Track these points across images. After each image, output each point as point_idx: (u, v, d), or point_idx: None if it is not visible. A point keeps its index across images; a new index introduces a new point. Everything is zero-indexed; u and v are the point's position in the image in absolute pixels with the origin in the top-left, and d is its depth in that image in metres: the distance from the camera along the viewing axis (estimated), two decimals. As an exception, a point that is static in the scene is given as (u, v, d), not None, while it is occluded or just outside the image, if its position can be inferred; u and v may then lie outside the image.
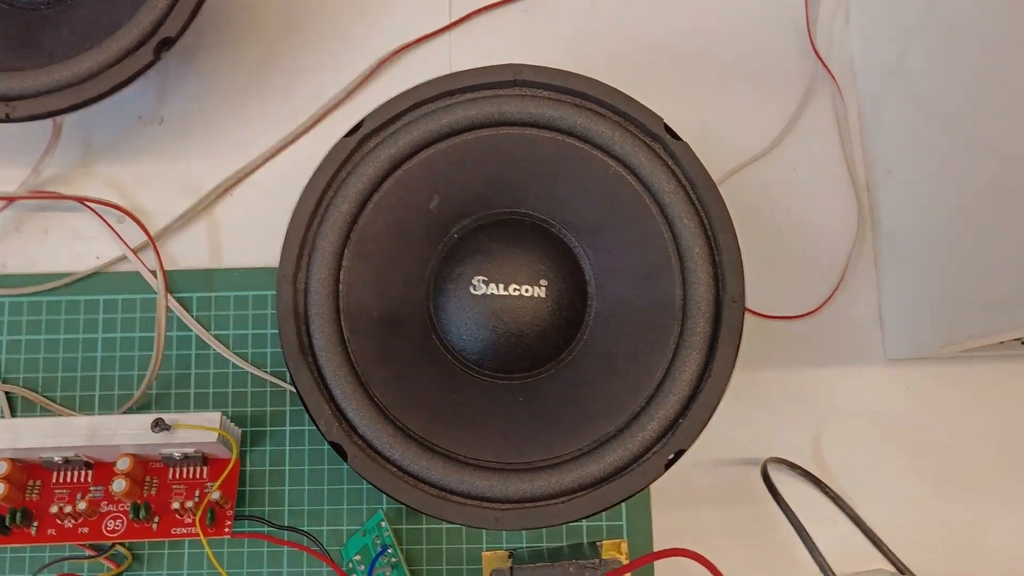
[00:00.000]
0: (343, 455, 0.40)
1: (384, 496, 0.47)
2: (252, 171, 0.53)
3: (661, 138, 0.42)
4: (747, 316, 0.48)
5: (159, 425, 0.45)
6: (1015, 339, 0.45)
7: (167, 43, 0.45)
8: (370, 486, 0.44)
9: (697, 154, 0.42)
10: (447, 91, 0.44)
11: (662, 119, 0.42)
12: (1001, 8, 0.37)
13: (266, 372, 0.50)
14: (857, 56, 0.52)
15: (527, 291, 0.43)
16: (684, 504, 0.47)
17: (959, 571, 0.46)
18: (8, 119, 0.45)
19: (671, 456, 0.39)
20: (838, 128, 0.51)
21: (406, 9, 0.55)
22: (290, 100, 0.54)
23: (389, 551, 0.46)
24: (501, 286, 0.42)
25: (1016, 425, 0.48)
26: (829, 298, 0.49)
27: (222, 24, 0.56)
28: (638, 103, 0.43)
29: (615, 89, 0.43)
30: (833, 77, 0.52)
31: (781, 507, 0.44)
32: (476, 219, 0.45)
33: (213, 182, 0.53)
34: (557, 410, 0.42)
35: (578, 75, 0.43)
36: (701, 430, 0.40)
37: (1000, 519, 0.46)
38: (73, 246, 0.53)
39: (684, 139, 0.42)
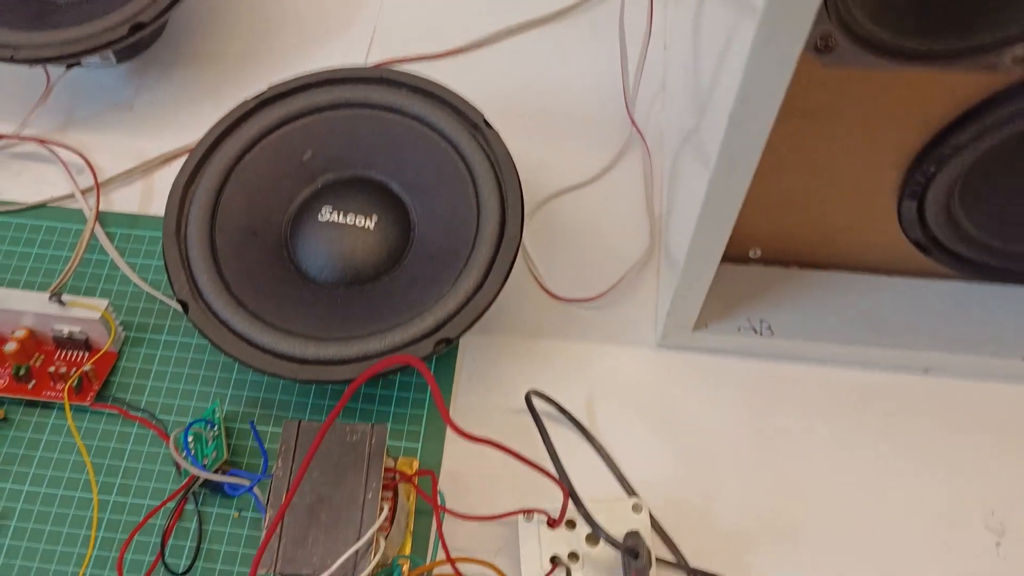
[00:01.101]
0: (185, 309, 0.51)
1: (226, 394, 0.57)
2: (190, 149, 0.68)
3: (480, 127, 0.57)
4: (547, 298, 0.61)
5: (55, 295, 0.56)
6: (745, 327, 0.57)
7: (140, 26, 0.62)
8: (216, 369, 0.54)
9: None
10: (332, 79, 0.59)
11: (482, 114, 0.57)
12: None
13: (158, 292, 0.61)
14: (665, 126, 0.67)
15: (360, 222, 0.55)
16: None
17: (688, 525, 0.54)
18: (12, 60, 0.61)
19: (438, 340, 0.50)
20: (643, 176, 0.66)
21: (335, 47, 0.72)
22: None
23: (212, 426, 0.55)
24: (340, 214, 0.55)
25: (726, 408, 0.57)
26: (613, 287, 0.61)
27: (194, 40, 0.73)
28: (466, 101, 0.58)
29: (449, 90, 0.58)
30: (644, 141, 0.67)
31: (539, 429, 0.53)
32: (336, 174, 0.58)
33: (157, 153, 0.68)
34: (367, 310, 0.53)
35: (425, 78, 0.58)
36: (468, 326, 0.51)
37: (726, 492, 0.55)
38: (40, 187, 0.67)
39: (495, 128, 0.57)
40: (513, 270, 0.54)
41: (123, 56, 0.71)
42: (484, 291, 0.52)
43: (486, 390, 0.58)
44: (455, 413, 0.58)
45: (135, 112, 0.70)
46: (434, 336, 0.51)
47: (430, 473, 0.54)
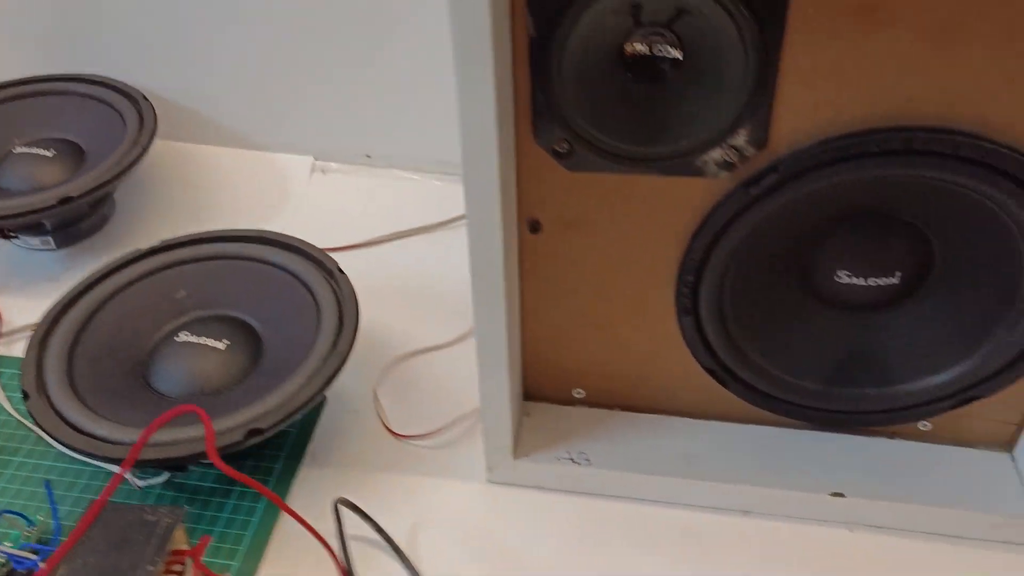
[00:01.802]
0: (25, 397, 0.56)
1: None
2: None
3: (334, 273, 0.65)
4: (390, 437, 0.64)
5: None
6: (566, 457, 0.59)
7: (68, 199, 0.73)
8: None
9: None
10: (217, 237, 0.68)
11: (336, 263, 0.65)
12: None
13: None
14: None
15: (211, 343, 0.61)
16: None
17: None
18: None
19: (250, 430, 0.54)
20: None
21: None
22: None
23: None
24: (196, 336, 0.61)
25: (550, 544, 0.58)
26: (449, 425, 0.64)
27: (134, 234, 0.84)
28: (325, 253, 0.66)
29: (310, 244, 0.67)
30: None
31: (340, 539, 0.54)
32: (204, 311, 0.65)
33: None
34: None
35: (291, 236, 0.68)
36: (281, 420, 0.54)
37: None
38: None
39: (347, 274, 0.64)
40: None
41: (62, 242, 0.81)
42: (302, 391, 0.56)
43: (314, 519, 0.59)
44: (279, 540, 0.59)
45: (59, 283, 0.79)
46: (247, 426, 0.54)
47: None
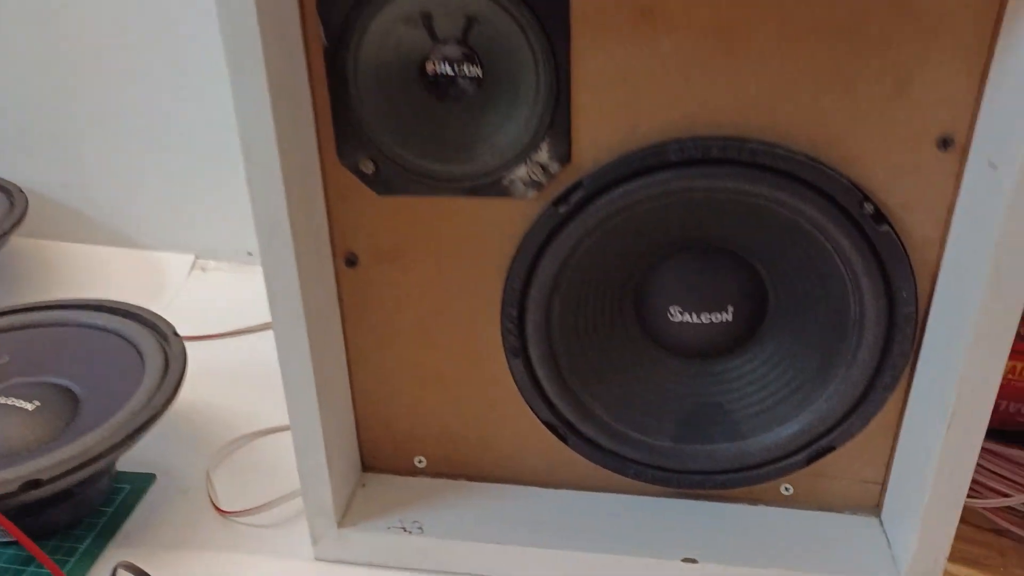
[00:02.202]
0: None
1: None
2: None
3: (168, 337, 0.61)
4: (219, 517, 0.58)
5: None
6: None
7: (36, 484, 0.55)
8: None
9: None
10: (57, 305, 0.65)
11: (173, 327, 0.62)
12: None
13: None
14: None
15: (20, 404, 0.56)
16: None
17: None
18: None
19: (26, 481, 0.48)
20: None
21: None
22: None
23: None
24: (11, 399, 0.57)
25: None
26: (277, 500, 0.58)
27: None
28: (161, 317, 0.63)
29: (147, 310, 0.63)
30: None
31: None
32: (25, 377, 0.61)
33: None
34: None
35: (125, 303, 0.64)
36: (62, 474, 0.49)
37: None
38: None
39: (182, 338, 0.61)
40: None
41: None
42: (96, 446, 0.51)
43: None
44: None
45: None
46: (26, 478, 0.49)
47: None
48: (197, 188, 0.87)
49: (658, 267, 0.51)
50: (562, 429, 0.54)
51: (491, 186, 0.48)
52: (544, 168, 0.47)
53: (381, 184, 0.48)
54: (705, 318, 0.51)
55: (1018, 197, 0.39)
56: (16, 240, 0.90)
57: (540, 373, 0.52)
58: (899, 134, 0.44)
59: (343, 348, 0.54)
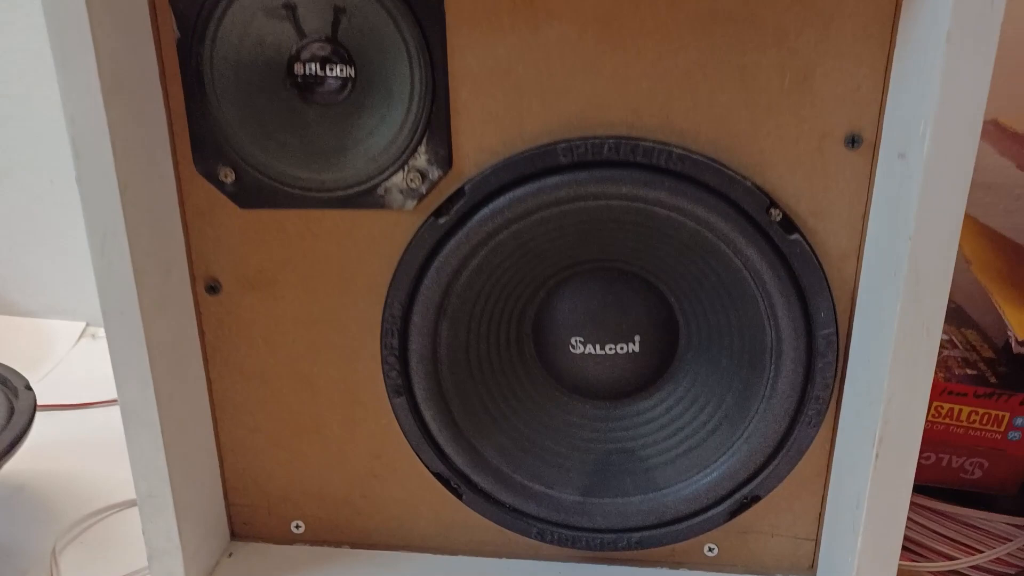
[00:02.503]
0: None
1: None
2: None
3: (19, 391, 0.54)
4: None
5: None
6: None
7: None
8: None
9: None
10: None
11: (26, 380, 0.55)
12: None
13: None
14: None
15: None
16: None
17: None
18: None
19: None
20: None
21: None
22: None
23: None
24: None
25: None
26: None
27: None
28: (15, 371, 0.56)
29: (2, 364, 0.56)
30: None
31: None
32: None
33: None
34: None
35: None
36: None
37: None
38: None
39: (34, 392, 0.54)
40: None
41: None
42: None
43: None
44: None
45: None
46: None
47: None
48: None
49: (557, 292, 0.46)
50: (455, 481, 0.47)
51: (366, 196, 0.43)
52: (423, 175, 0.42)
53: (243, 196, 0.43)
54: (610, 349, 0.46)
55: (929, 183, 0.35)
56: None
57: (428, 415, 0.46)
58: (804, 132, 0.40)
59: (206, 394, 0.47)
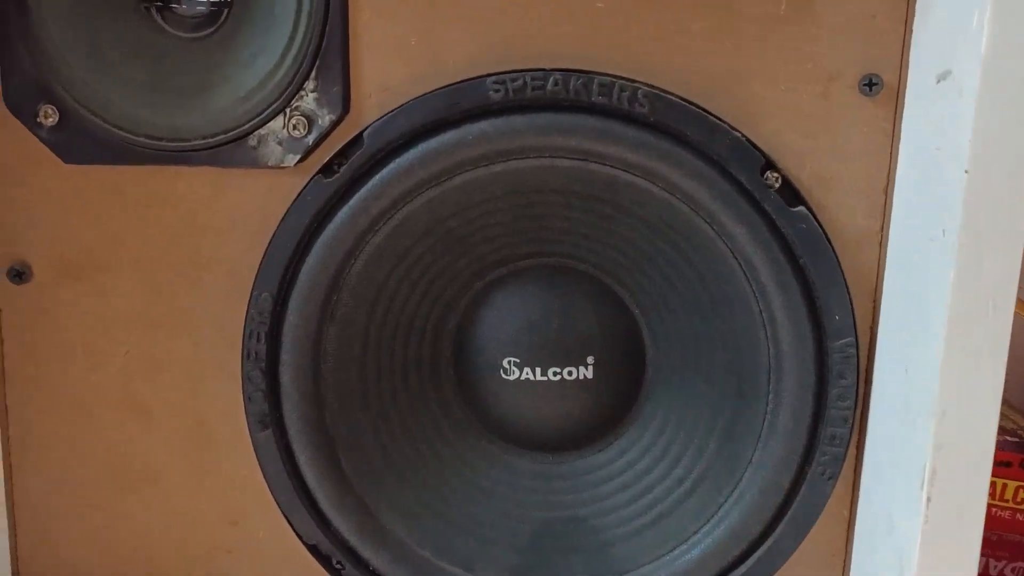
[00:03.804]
0: None
1: None
2: None
3: None
4: None
5: None
6: None
7: None
8: None
9: None
10: None
11: None
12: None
13: None
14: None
15: None
16: None
17: None
18: None
19: None
20: None
21: None
22: None
23: None
24: None
25: None
26: None
27: None
28: None
29: None
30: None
31: None
32: None
33: None
34: None
35: None
36: None
37: None
38: None
39: None
40: None
41: None
42: None
43: None
44: None
45: None
46: None
47: None
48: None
49: (485, 296, 0.35)
50: (337, 558, 0.34)
51: (233, 149, 0.32)
52: (309, 120, 0.32)
53: (69, 147, 0.32)
54: (554, 374, 0.34)
55: (986, 101, 0.26)
56: None
57: (303, 457, 0.33)
58: (806, 72, 0.31)
59: None
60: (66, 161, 0.33)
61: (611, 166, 0.31)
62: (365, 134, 0.31)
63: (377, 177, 0.31)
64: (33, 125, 0.32)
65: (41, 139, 0.32)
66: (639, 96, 0.31)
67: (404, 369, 0.35)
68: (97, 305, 0.34)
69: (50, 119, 0.32)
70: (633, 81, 0.31)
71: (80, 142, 0.33)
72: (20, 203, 0.33)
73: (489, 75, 0.31)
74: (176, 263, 0.33)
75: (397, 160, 0.31)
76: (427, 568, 0.34)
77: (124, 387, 0.34)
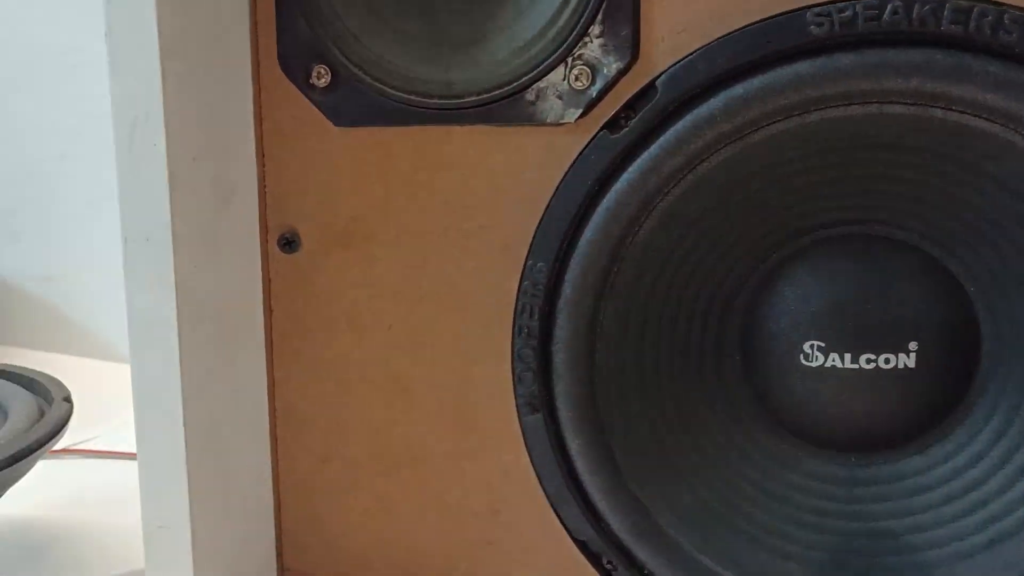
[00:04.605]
0: None
1: None
2: None
3: (59, 402, 0.42)
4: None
5: None
6: None
7: None
8: None
9: None
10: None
11: (68, 391, 0.43)
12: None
13: None
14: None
15: None
16: None
17: None
18: None
19: None
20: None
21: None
22: None
23: None
24: None
25: None
26: None
27: None
28: (55, 379, 0.44)
29: (36, 371, 0.45)
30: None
31: None
32: None
33: None
34: None
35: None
36: None
37: None
38: None
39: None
40: None
41: None
42: None
43: None
44: None
45: None
46: None
47: None
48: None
49: (785, 268, 0.30)
50: (608, 556, 0.31)
51: (510, 105, 0.30)
52: (593, 69, 0.29)
53: (340, 109, 0.31)
54: (868, 362, 0.29)
55: None
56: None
57: (575, 445, 0.30)
58: None
59: (265, 399, 0.34)
60: (336, 124, 0.31)
61: (960, 111, 0.26)
62: (658, 82, 0.28)
63: (672, 131, 0.28)
64: (305, 87, 0.31)
65: (312, 101, 0.31)
66: (1005, 21, 0.25)
67: (685, 351, 0.31)
68: (363, 276, 0.32)
69: (322, 79, 0.31)
70: (999, 3, 0.25)
71: (351, 104, 0.31)
72: (290, 170, 0.32)
73: (810, 6, 0.26)
74: (444, 231, 0.31)
75: (696, 111, 0.27)
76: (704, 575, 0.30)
77: (386, 363, 0.33)
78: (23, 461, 0.39)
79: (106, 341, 0.75)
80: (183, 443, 0.29)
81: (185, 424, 0.29)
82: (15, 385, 0.46)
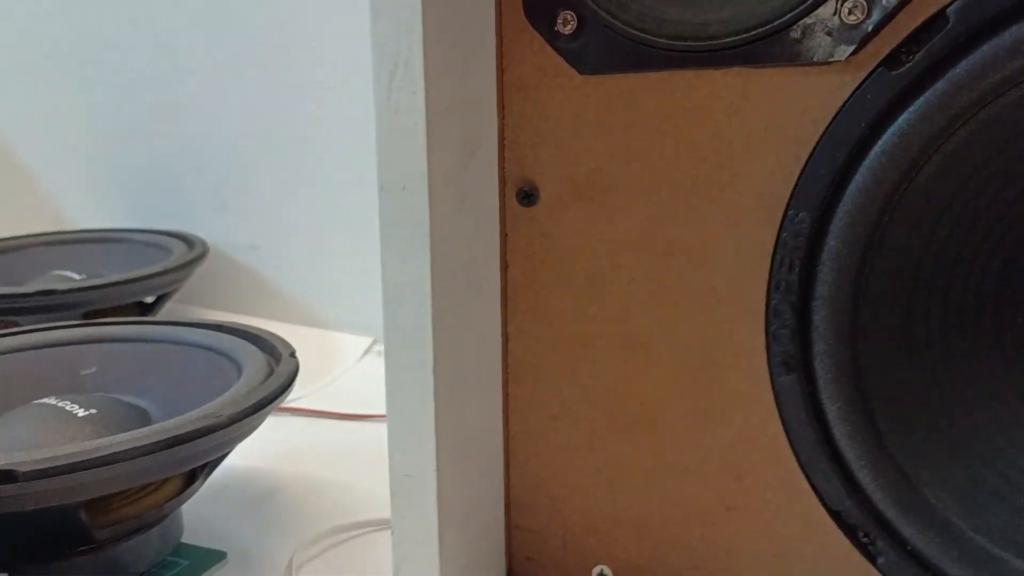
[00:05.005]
0: None
1: None
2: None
3: (284, 358, 0.44)
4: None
5: None
6: None
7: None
8: None
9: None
10: (158, 321, 0.51)
11: (292, 347, 0.45)
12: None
13: None
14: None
15: (69, 408, 0.41)
16: None
17: None
18: None
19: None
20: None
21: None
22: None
23: None
24: (58, 401, 0.42)
25: None
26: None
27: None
28: (280, 338, 0.46)
29: (264, 330, 0.47)
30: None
31: None
32: (105, 392, 0.46)
33: None
34: None
35: (236, 324, 0.48)
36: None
37: None
38: None
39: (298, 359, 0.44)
40: None
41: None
42: (113, 448, 0.33)
43: None
44: None
45: None
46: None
47: None
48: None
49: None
50: (867, 530, 0.29)
51: (771, 45, 0.28)
52: (870, 1, 0.27)
53: (586, 56, 0.30)
54: None
55: None
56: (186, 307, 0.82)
57: (832, 409, 0.29)
58: None
59: (499, 354, 0.34)
60: (581, 72, 0.31)
61: None
62: (950, 10, 0.25)
63: (965, 63, 0.25)
64: (550, 34, 0.31)
65: (557, 49, 0.31)
66: None
67: (960, 314, 0.28)
68: (603, 229, 0.31)
69: (568, 26, 0.30)
70: None
71: (597, 50, 0.30)
72: (531, 121, 0.32)
73: None
74: (694, 181, 0.30)
75: (994, 41, 0.25)
76: (985, 558, 0.28)
77: (625, 320, 0.32)
78: (260, 412, 0.41)
79: (305, 307, 0.79)
80: (432, 394, 0.29)
81: (435, 374, 0.29)
82: (245, 341, 0.49)
